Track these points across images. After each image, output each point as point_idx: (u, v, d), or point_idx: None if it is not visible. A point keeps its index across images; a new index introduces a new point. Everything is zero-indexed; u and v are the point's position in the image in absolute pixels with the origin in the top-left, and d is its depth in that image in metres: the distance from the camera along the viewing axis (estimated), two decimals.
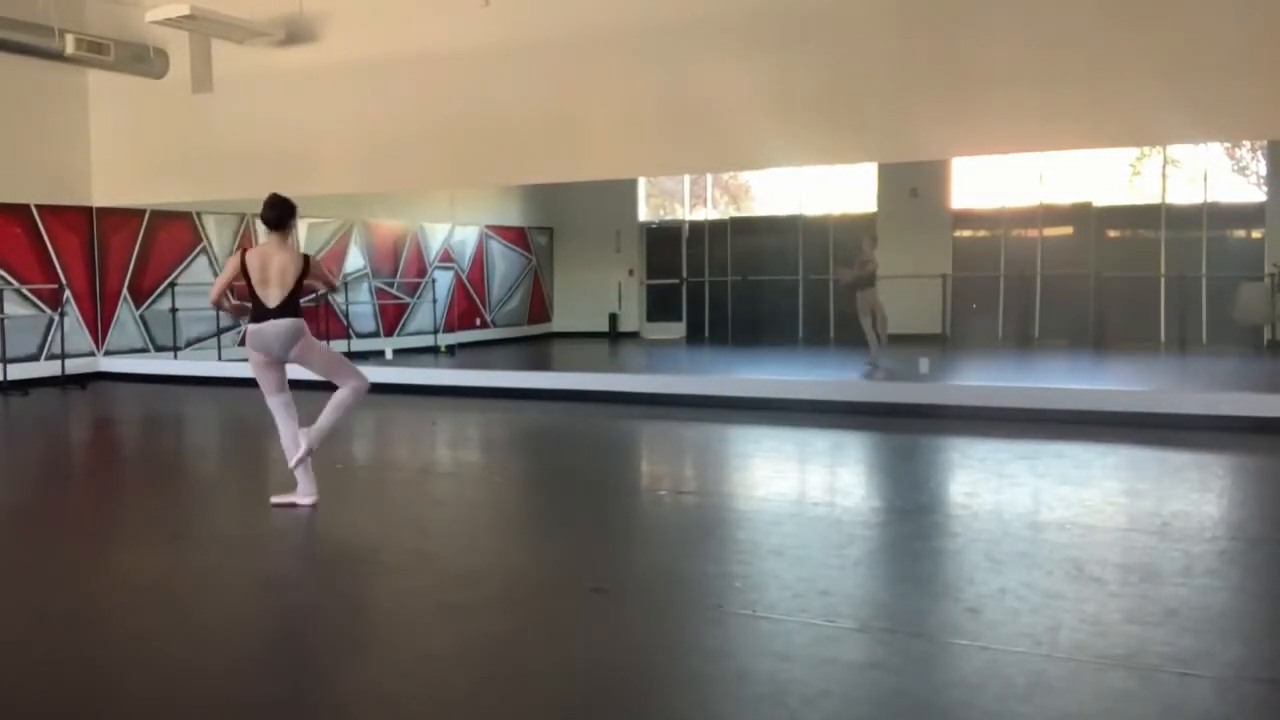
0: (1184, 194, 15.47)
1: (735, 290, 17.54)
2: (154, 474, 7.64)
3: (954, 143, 9.63)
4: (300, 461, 5.66)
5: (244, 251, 5.56)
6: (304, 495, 5.71)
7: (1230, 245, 15.16)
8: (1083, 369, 12.34)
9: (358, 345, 15.16)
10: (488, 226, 18.03)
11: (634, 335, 18.57)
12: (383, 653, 3.60)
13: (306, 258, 5.66)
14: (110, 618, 4.12)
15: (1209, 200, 15.17)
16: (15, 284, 11.95)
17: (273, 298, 5.52)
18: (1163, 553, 4.70)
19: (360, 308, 15.73)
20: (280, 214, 5.60)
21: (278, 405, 5.70)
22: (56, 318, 12.30)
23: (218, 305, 5.75)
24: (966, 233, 16.50)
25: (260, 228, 6.46)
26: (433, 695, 3.28)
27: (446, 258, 17.20)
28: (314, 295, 6.47)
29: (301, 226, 14.72)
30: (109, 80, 12.37)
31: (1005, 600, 4.00)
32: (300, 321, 5.58)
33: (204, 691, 3.34)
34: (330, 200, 14.37)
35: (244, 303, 5.65)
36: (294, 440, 5.66)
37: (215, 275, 13.76)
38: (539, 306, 19.31)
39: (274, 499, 5.79)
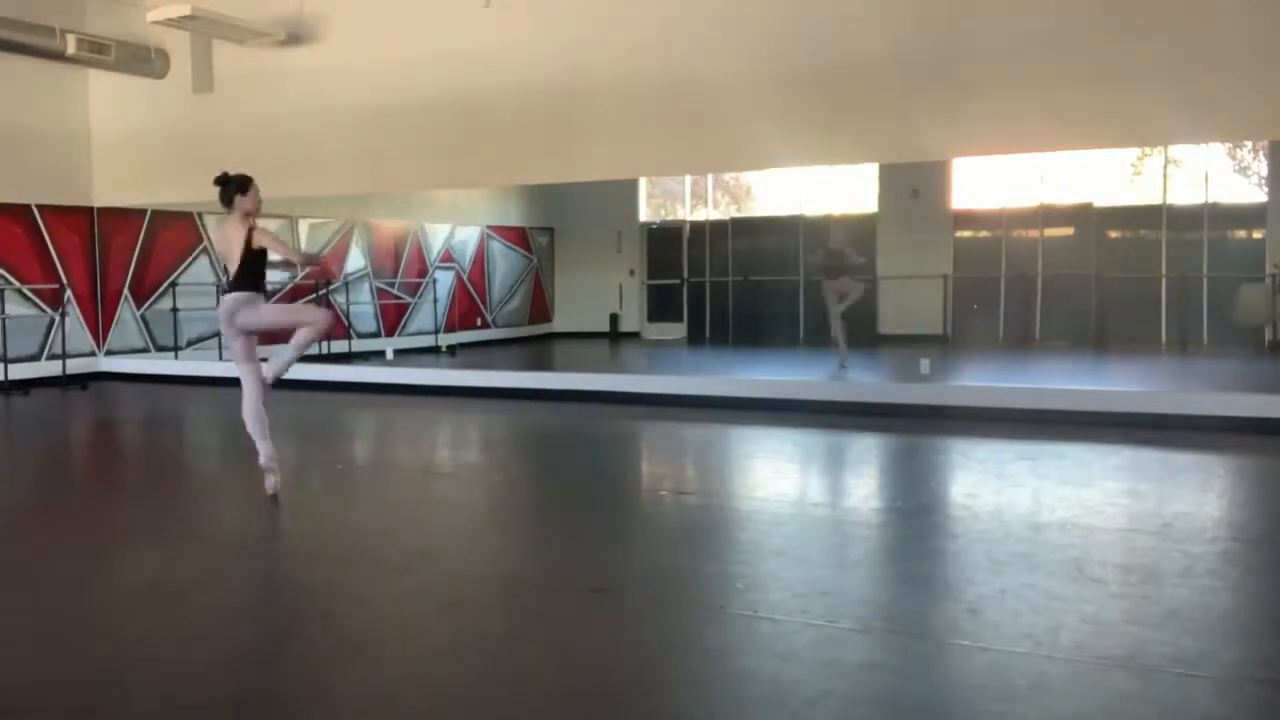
0: (1185, 194, 15.46)
1: (736, 290, 17.54)
2: (155, 474, 7.65)
3: (954, 143, 9.63)
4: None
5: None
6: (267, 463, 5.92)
7: (1231, 246, 15.16)
8: (1084, 370, 12.34)
9: (359, 345, 15.17)
10: (489, 226, 18.04)
11: (635, 335, 18.57)
12: (383, 653, 3.60)
13: (250, 229, 5.85)
14: (111, 618, 4.11)
15: (1210, 201, 15.16)
16: (16, 284, 11.95)
17: (231, 272, 5.86)
18: (1163, 553, 4.69)
19: (361, 308, 15.73)
20: (221, 191, 5.88)
21: (244, 373, 5.93)
22: (57, 318, 12.30)
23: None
24: (967, 233, 16.50)
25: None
26: (433, 695, 3.28)
27: (447, 258, 17.21)
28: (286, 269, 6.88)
29: (302, 226, 14.77)
30: (110, 80, 12.37)
31: (1006, 601, 4.00)
32: (248, 294, 5.76)
33: (204, 691, 3.33)
34: (330, 200, 14.38)
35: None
36: (255, 406, 5.89)
37: (216, 275, 13.80)
38: (540, 307, 19.31)
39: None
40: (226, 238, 5.84)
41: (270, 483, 5.91)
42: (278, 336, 6.21)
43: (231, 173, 5.96)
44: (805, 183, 17.40)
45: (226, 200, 5.88)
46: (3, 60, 11.30)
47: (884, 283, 16.07)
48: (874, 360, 13.10)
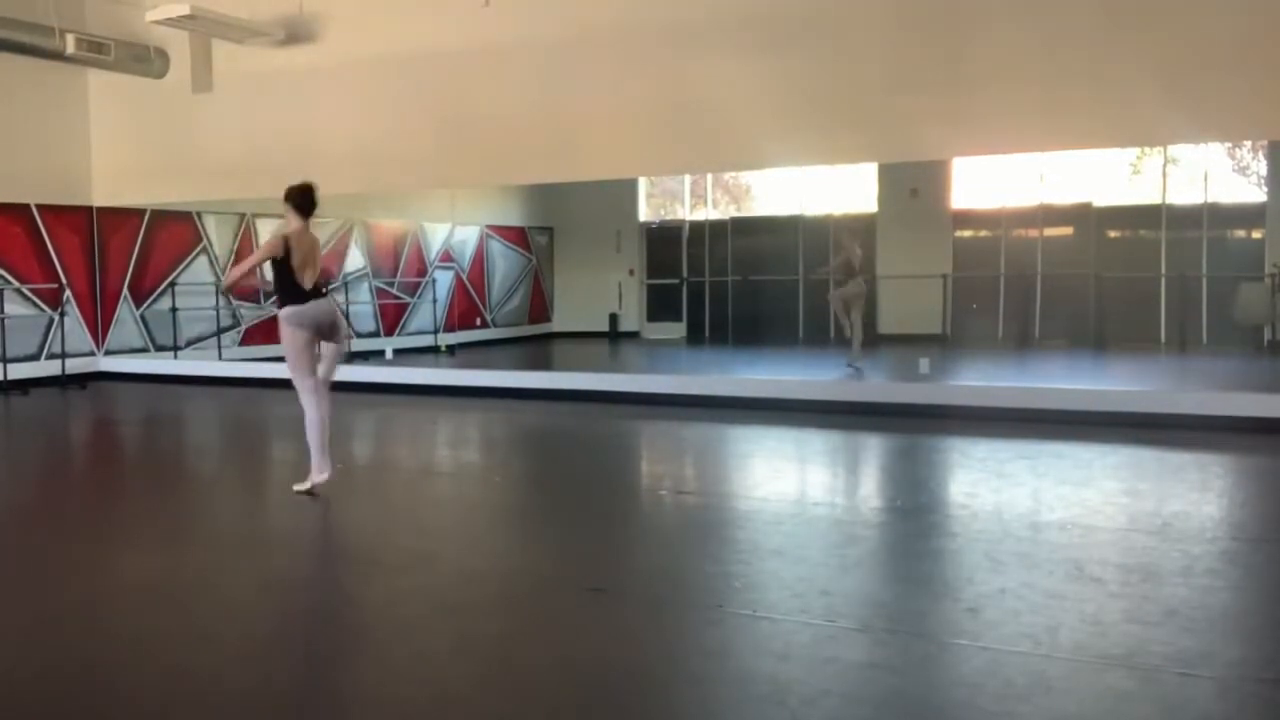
0: (1184, 194, 15.46)
1: (735, 290, 17.54)
2: (154, 474, 7.64)
3: (954, 143, 9.63)
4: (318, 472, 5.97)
5: (287, 237, 5.81)
6: (320, 472, 5.96)
7: (1230, 245, 15.17)
8: (1083, 369, 12.34)
9: (358, 345, 15.16)
10: (488, 226, 18.04)
11: (634, 335, 18.57)
12: (383, 652, 3.60)
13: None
14: (110, 618, 4.11)
15: (1209, 200, 15.16)
16: (15, 284, 11.95)
17: (308, 280, 5.86)
18: (1163, 553, 4.69)
19: (361, 307, 15.73)
20: (314, 200, 5.99)
21: (309, 389, 5.89)
22: (57, 317, 12.30)
23: (231, 289, 6.08)
24: (967, 233, 16.51)
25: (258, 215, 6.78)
26: (432, 695, 3.27)
27: (447, 258, 17.21)
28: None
29: None
30: (109, 80, 12.37)
31: (1005, 600, 4.00)
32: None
33: (204, 691, 3.33)
34: (330, 200, 14.31)
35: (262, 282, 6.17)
36: (319, 425, 5.88)
37: (215, 275, 13.77)
38: (539, 306, 19.31)
39: (296, 486, 6.01)
40: (305, 243, 5.87)
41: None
42: None
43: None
44: (805, 183, 17.40)
45: (313, 209, 5.97)
46: (2, 60, 11.29)
47: (884, 282, 16.06)
48: (874, 359, 13.09)
